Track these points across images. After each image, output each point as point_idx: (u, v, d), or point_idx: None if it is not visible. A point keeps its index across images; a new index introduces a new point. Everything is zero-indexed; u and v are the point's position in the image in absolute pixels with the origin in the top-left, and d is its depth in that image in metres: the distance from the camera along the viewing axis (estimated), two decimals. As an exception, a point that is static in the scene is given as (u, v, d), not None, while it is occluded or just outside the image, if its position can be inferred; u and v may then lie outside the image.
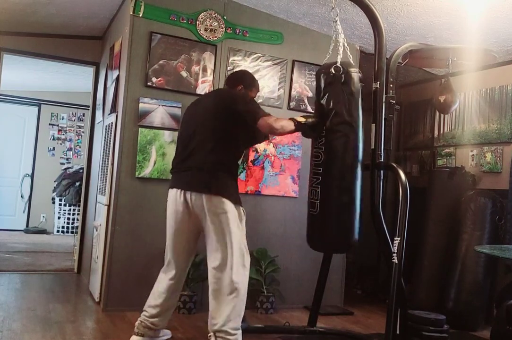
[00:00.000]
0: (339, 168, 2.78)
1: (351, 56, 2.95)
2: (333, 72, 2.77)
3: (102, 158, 3.98)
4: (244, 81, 2.90)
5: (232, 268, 2.55)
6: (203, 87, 3.63)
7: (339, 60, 2.82)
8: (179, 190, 2.66)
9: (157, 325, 2.72)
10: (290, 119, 2.68)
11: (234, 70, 3.72)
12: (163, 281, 2.75)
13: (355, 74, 2.82)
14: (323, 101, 2.81)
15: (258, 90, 3.00)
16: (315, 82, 3.00)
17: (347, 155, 2.77)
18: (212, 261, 2.61)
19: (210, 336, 2.54)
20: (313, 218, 2.85)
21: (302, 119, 2.71)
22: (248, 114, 2.59)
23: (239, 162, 2.83)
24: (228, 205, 2.57)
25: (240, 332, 2.56)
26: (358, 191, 2.78)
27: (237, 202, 2.62)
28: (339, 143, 2.77)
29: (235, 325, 2.53)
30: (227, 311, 2.51)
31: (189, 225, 2.69)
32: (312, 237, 2.91)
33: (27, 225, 7.69)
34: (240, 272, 2.57)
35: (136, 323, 2.73)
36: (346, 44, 2.91)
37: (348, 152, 2.77)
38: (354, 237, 2.80)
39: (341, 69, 2.77)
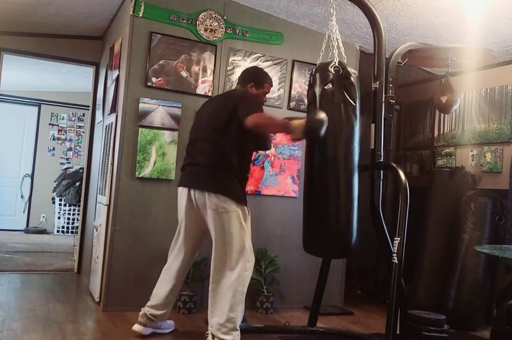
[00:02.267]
0: (330, 171, 2.76)
1: (345, 56, 2.92)
2: (333, 72, 2.76)
3: (102, 158, 3.98)
4: (254, 78, 2.91)
5: (231, 268, 2.57)
6: (203, 87, 3.63)
7: (336, 60, 2.81)
8: (185, 188, 2.73)
9: (157, 317, 2.84)
10: (283, 118, 2.67)
11: (234, 70, 3.73)
12: (171, 268, 2.87)
13: (354, 75, 2.81)
14: (317, 102, 2.81)
15: (271, 85, 3.00)
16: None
17: (338, 158, 2.74)
18: (213, 259, 2.66)
19: (207, 334, 2.56)
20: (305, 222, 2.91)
21: (295, 121, 2.63)
22: (241, 111, 2.60)
23: (249, 162, 2.86)
24: (230, 204, 2.58)
25: (238, 332, 2.57)
26: (347, 195, 2.74)
27: (240, 201, 2.62)
28: (330, 145, 2.75)
29: (233, 325, 2.54)
30: (225, 311, 2.53)
31: (195, 222, 2.77)
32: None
33: (27, 225, 7.69)
34: (239, 272, 2.57)
35: (140, 313, 2.87)
36: (341, 44, 2.91)
37: (337, 155, 2.75)
38: (335, 241, 2.77)
39: (340, 69, 2.77)
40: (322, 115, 2.59)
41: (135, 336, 2.87)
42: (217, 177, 2.63)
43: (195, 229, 2.80)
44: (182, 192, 2.77)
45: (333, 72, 2.77)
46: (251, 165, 3.73)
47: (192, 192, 2.69)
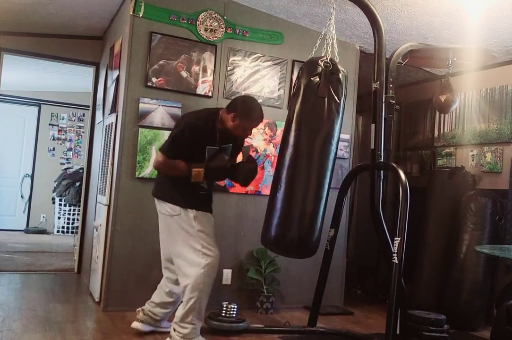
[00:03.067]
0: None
1: (337, 56, 2.87)
2: (322, 66, 2.72)
3: (102, 158, 3.98)
4: (238, 109, 2.70)
5: (180, 268, 2.72)
6: (203, 87, 3.63)
7: (328, 56, 2.78)
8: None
9: (158, 315, 2.92)
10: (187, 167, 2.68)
11: (234, 70, 3.73)
12: (163, 280, 2.96)
13: (343, 73, 2.77)
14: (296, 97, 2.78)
15: (257, 122, 2.77)
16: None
17: (312, 154, 2.69)
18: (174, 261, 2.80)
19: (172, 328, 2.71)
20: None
21: (196, 168, 2.65)
22: (166, 139, 2.81)
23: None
24: (173, 208, 2.73)
25: (193, 327, 2.65)
26: (316, 191, 2.69)
27: (183, 205, 2.71)
28: (305, 140, 2.71)
29: (189, 320, 2.64)
30: (180, 309, 2.68)
31: (161, 227, 2.92)
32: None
33: (27, 225, 7.69)
34: (188, 271, 2.67)
35: (138, 309, 2.95)
36: (335, 43, 2.88)
37: (312, 151, 2.69)
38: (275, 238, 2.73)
39: (330, 64, 2.73)
40: (220, 162, 2.67)
41: (135, 336, 2.87)
42: (160, 184, 2.84)
43: (163, 233, 2.92)
44: None
45: (322, 66, 2.71)
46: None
47: (155, 200, 2.88)
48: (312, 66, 2.75)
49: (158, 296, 2.94)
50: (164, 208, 2.78)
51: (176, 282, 2.84)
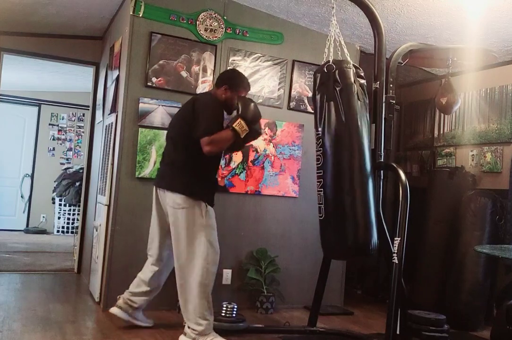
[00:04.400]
0: (336, 170, 2.71)
1: (348, 54, 2.90)
2: (326, 70, 2.74)
3: (102, 158, 3.98)
4: (229, 81, 2.90)
5: (187, 264, 2.71)
6: (203, 87, 3.63)
7: (331, 59, 2.79)
8: (155, 187, 2.95)
9: (136, 303, 2.98)
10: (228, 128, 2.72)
11: (234, 70, 3.73)
12: (147, 269, 3.02)
13: (349, 70, 2.75)
14: (317, 101, 2.79)
15: (246, 90, 2.98)
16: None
17: (342, 157, 2.70)
18: (174, 256, 2.79)
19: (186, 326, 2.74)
20: (320, 223, 2.81)
21: (235, 122, 2.71)
22: (196, 129, 2.71)
23: (217, 161, 2.92)
24: (185, 200, 2.71)
25: (207, 322, 2.68)
26: (362, 193, 2.67)
27: (196, 197, 2.72)
28: (332, 144, 2.72)
29: (202, 315, 2.67)
30: (190, 305, 2.69)
31: (160, 221, 2.95)
32: (322, 244, 2.87)
33: (27, 225, 7.69)
34: (193, 264, 2.68)
35: (118, 296, 3.02)
36: (343, 43, 2.88)
37: (342, 153, 2.70)
38: (359, 241, 2.68)
39: (333, 67, 2.73)
40: (249, 102, 2.78)
41: (135, 336, 2.87)
42: (172, 174, 2.82)
43: (162, 228, 2.95)
44: (154, 191, 2.98)
45: (353, 69, 2.77)
46: (251, 165, 3.76)
47: (158, 191, 2.90)
48: (343, 71, 2.75)
49: (136, 285, 3.00)
50: (173, 200, 2.75)
51: (158, 273, 2.95)
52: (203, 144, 2.66)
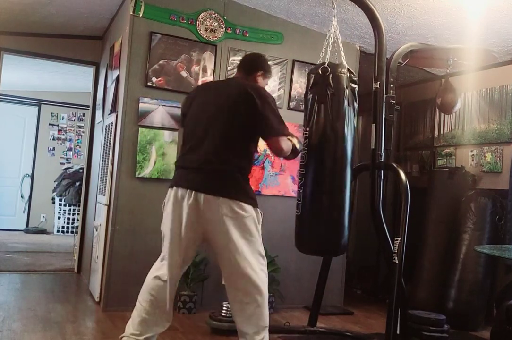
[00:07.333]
0: (318, 170, 2.71)
1: (344, 57, 2.86)
2: (320, 72, 2.71)
3: (102, 158, 3.98)
4: (263, 66, 2.58)
5: (252, 275, 2.31)
6: (203, 87, 3.63)
7: (326, 61, 2.77)
8: (187, 190, 2.31)
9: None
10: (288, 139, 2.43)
11: (234, 70, 3.72)
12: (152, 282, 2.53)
13: (343, 75, 2.72)
14: (308, 101, 2.78)
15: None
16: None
17: (324, 160, 2.69)
18: (227, 274, 2.38)
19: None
20: (296, 219, 2.81)
21: (294, 141, 2.48)
22: (267, 125, 2.32)
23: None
24: (244, 208, 2.30)
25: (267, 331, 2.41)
26: (339, 196, 2.67)
27: (255, 205, 2.36)
28: (317, 146, 2.70)
29: (262, 338, 2.37)
30: (249, 325, 2.35)
31: (194, 231, 2.34)
32: (295, 238, 2.85)
33: (27, 225, 7.69)
34: (258, 280, 2.32)
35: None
36: (341, 45, 2.86)
37: (325, 157, 2.70)
38: (329, 241, 2.71)
39: (328, 70, 2.70)
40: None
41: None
42: (232, 181, 2.32)
43: (193, 239, 2.37)
44: (179, 194, 2.33)
45: (347, 74, 2.74)
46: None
47: (200, 196, 2.28)
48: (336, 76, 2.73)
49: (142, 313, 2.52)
50: (229, 208, 2.26)
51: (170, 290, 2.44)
52: (277, 143, 2.32)
